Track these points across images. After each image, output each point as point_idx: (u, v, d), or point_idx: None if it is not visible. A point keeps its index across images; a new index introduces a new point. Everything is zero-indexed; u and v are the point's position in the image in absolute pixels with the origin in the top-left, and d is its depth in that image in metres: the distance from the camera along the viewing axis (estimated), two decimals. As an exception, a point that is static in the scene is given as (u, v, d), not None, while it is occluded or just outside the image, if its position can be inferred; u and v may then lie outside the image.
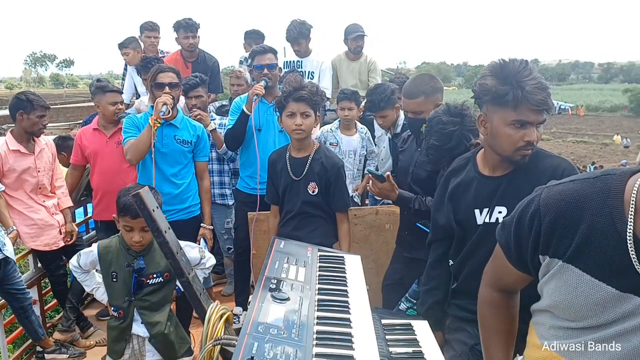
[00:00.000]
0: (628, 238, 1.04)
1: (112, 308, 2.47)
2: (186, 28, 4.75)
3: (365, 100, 4.64)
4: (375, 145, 4.29)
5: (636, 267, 1.05)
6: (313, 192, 2.67)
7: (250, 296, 3.28)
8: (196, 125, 3.40)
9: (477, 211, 1.90)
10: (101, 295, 2.55)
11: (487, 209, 1.87)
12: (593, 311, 1.12)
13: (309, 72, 4.76)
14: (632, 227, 1.04)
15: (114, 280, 2.42)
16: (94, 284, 2.57)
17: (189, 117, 3.65)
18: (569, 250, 1.13)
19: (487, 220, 1.87)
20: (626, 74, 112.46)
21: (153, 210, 1.33)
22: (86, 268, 2.51)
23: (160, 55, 4.91)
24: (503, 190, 1.84)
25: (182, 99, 3.67)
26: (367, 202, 4.53)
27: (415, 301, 2.53)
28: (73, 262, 2.53)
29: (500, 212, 1.84)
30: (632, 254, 1.04)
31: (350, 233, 2.79)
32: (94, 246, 2.49)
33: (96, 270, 2.55)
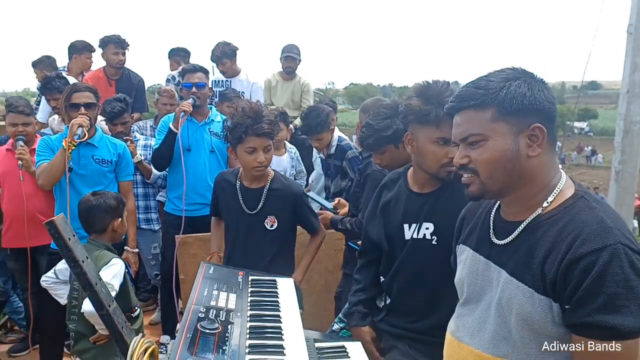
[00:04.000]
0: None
1: (136, 307, 2.56)
2: (117, 44, 4.60)
3: (296, 121, 4.67)
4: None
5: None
6: (272, 226, 2.43)
7: (179, 324, 3.13)
8: (117, 143, 3.23)
9: (406, 226, 1.92)
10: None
11: (415, 225, 1.90)
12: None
13: (239, 92, 4.71)
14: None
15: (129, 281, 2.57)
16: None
17: None
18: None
19: (415, 235, 1.90)
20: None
21: (69, 239, 1.23)
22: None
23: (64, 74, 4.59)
24: (430, 207, 1.88)
25: (100, 117, 3.47)
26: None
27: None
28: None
29: (427, 229, 1.87)
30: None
31: (315, 251, 2.61)
32: (118, 261, 2.47)
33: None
